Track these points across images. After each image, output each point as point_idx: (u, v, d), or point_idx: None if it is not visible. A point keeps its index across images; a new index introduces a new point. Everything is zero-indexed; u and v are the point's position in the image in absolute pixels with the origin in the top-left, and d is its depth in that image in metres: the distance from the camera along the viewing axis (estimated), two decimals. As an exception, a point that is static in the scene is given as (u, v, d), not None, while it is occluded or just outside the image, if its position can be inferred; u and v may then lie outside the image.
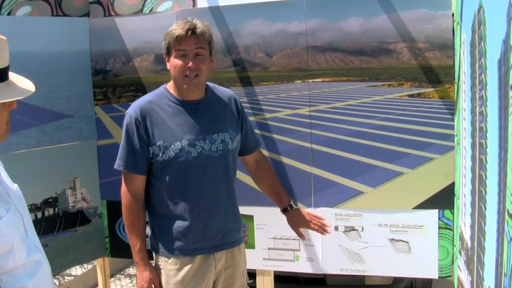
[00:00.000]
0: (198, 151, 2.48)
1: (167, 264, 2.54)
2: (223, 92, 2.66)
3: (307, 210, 2.89)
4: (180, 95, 2.51)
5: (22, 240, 1.75)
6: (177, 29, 2.40)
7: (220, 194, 2.56)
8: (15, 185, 1.87)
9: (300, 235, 2.87)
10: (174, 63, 2.43)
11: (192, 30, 2.39)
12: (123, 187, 2.55)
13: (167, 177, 2.50)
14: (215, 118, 2.55)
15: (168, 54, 2.46)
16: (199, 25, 2.41)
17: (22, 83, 1.77)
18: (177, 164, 2.47)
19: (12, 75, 1.76)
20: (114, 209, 3.53)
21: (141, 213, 2.56)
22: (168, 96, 2.52)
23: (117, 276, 5.53)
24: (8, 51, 1.71)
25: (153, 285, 2.55)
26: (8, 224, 1.68)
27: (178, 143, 2.45)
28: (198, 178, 2.50)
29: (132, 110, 2.50)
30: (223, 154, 2.53)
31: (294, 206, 2.84)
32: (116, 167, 2.54)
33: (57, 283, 4.92)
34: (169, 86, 2.56)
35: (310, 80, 3.03)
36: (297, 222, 2.84)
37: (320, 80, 3.02)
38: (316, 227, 2.82)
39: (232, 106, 2.63)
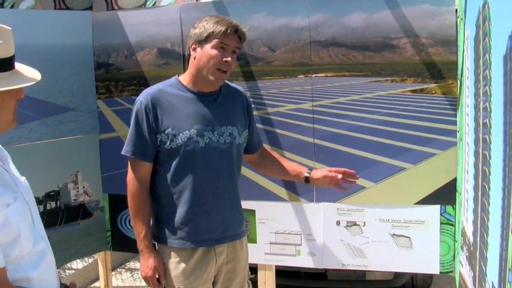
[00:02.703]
0: (205, 142, 2.48)
1: (168, 256, 2.55)
2: (235, 88, 2.67)
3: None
4: (195, 86, 2.51)
5: (29, 229, 1.77)
6: (223, 22, 2.40)
7: (224, 187, 2.56)
8: (23, 178, 1.91)
9: (339, 187, 2.69)
10: (210, 52, 2.40)
11: (237, 29, 2.41)
12: (130, 174, 2.55)
13: (173, 166, 2.50)
14: (225, 111, 2.55)
15: (202, 42, 2.42)
16: (241, 26, 2.45)
17: (28, 72, 1.80)
18: (184, 153, 2.47)
19: (18, 65, 1.79)
20: (115, 202, 3.54)
21: (147, 201, 2.56)
22: (179, 87, 2.52)
23: (118, 270, 5.54)
24: (13, 41, 1.73)
25: (157, 273, 2.56)
26: (15, 212, 1.71)
27: (186, 131, 2.45)
28: (204, 169, 2.50)
29: (143, 97, 2.50)
30: (230, 147, 2.53)
31: (310, 168, 2.72)
32: (123, 152, 2.54)
33: (58, 276, 4.93)
34: (183, 78, 2.54)
35: (313, 75, 3.03)
36: (325, 174, 2.67)
37: (323, 74, 3.02)
38: (342, 171, 2.67)
39: (243, 103, 2.64)
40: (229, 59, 2.41)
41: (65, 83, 3.36)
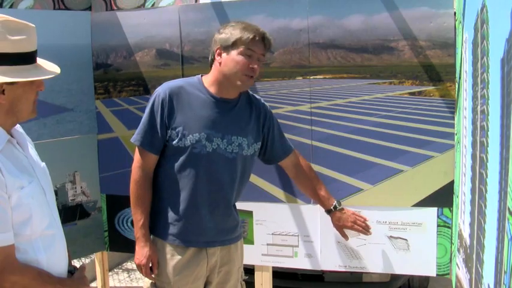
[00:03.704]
0: (213, 147, 2.49)
1: (160, 250, 2.57)
2: (255, 99, 2.68)
3: (352, 210, 2.88)
4: (216, 91, 2.53)
5: (42, 212, 1.87)
6: (251, 28, 2.45)
7: (223, 194, 2.57)
8: (43, 164, 2.03)
9: (344, 235, 2.87)
10: (237, 59, 2.44)
11: (264, 36, 2.48)
12: (135, 162, 2.57)
13: (177, 164, 2.51)
14: (239, 121, 2.56)
15: (229, 48, 2.46)
16: (267, 34, 2.51)
17: (49, 67, 1.93)
18: (190, 154, 2.48)
19: (40, 60, 1.91)
20: (113, 203, 3.54)
21: (149, 190, 2.58)
22: (199, 88, 2.53)
23: (115, 270, 5.53)
24: (36, 37, 1.87)
25: (150, 262, 2.58)
26: (29, 195, 1.81)
27: (196, 134, 2.47)
28: (206, 173, 2.51)
29: (162, 90, 2.51)
30: (235, 157, 2.54)
31: (338, 206, 2.83)
32: (132, 140, 2.57)
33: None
34: (206, 80, 2.56)
35: (311, 77, 3.03)
36: (340, 223, 2.84)
37: (321, 76, 3.02)
38: (360, 228, 2.83)
39: (260, 115, 2.64)
40: (255, 66, 2.46)
41: (63, 84, 3.36)
